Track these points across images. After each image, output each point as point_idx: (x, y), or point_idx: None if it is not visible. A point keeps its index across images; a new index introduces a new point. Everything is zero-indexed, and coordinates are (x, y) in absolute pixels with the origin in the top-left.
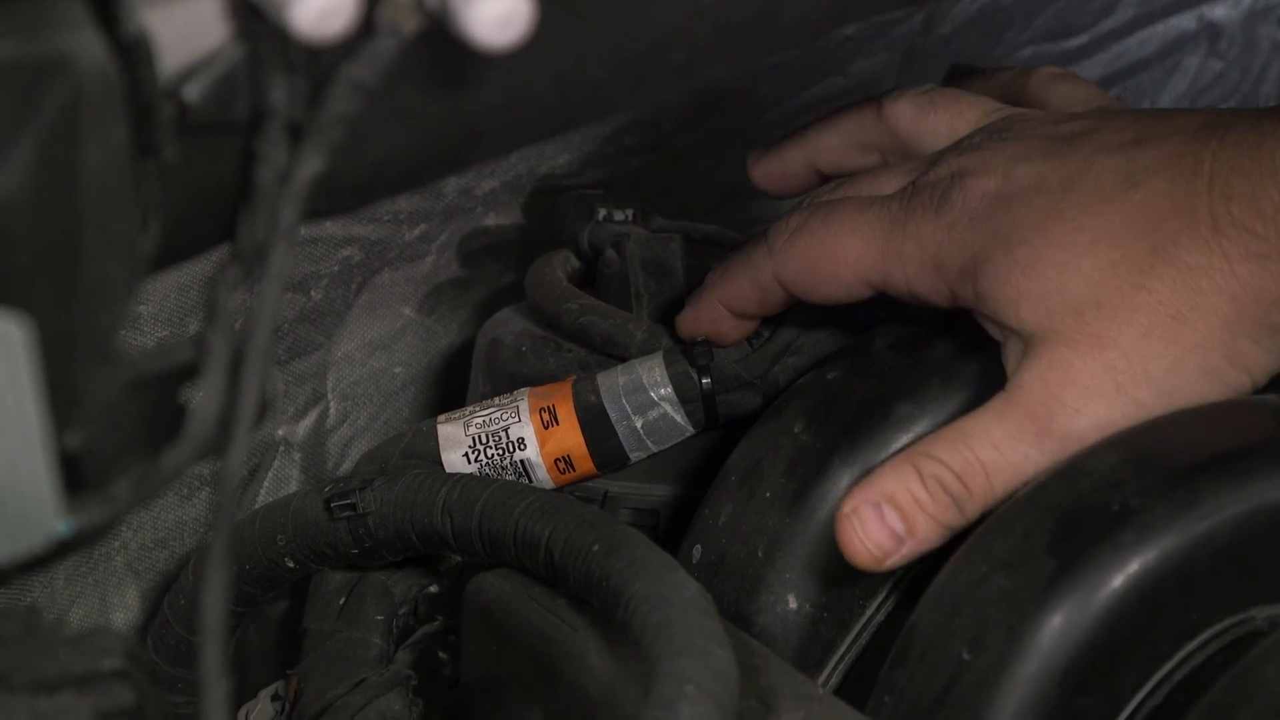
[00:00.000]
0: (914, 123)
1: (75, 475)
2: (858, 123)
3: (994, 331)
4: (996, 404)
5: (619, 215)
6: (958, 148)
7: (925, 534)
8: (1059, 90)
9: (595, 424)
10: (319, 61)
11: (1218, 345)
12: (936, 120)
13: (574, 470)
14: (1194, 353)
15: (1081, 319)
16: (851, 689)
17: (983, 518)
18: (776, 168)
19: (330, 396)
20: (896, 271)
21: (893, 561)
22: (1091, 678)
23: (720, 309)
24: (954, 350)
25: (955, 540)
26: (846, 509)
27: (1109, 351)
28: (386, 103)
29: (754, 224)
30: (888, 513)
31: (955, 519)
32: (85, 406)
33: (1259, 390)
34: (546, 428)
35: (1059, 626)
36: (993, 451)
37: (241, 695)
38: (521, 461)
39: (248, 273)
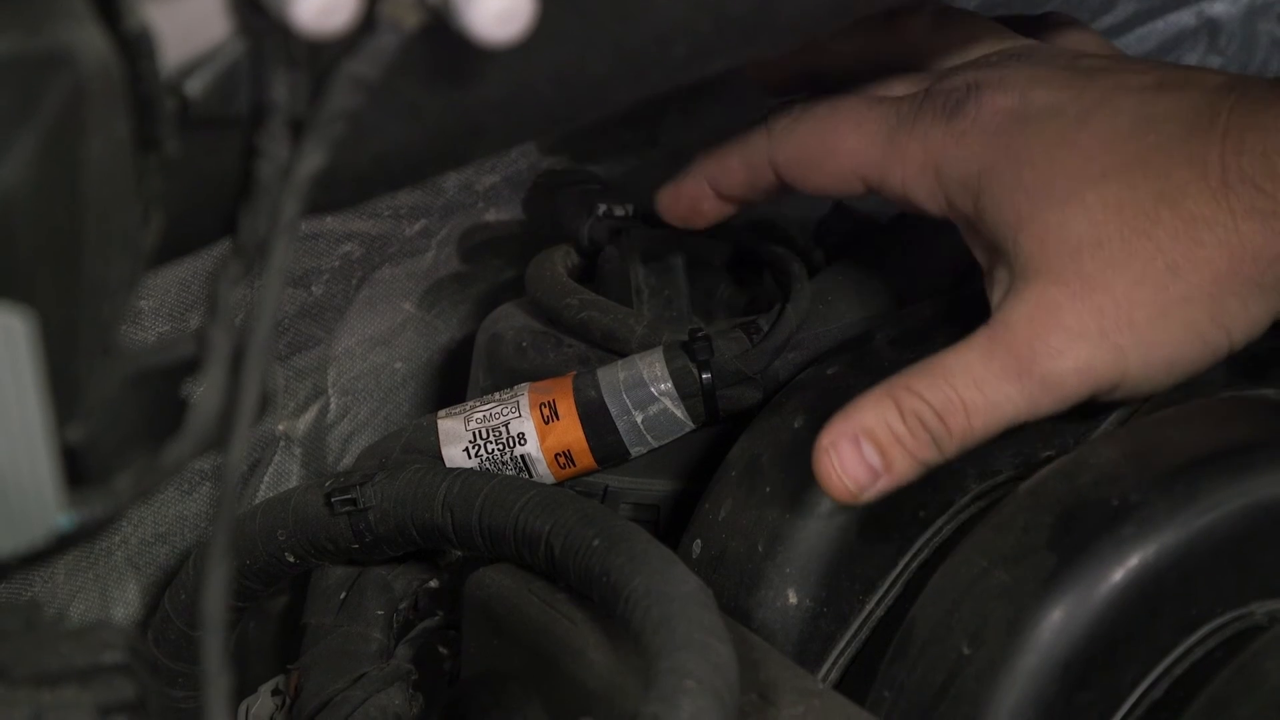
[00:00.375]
0: (928, 35)
1: (77, 469)
2: (869, 30)
3: (981, 255)
4: (980, 340)
5: (619, 210)
6: (976, 63)
7: (901, 469)
8: (1072, 36)
9: (595, 419)
10: (320, 57)
11: (1205, 300)
12: (950, 37)
13: (574, 465)
14: (1180, 305)
15: (1078, 259)
16: (851, 684)
17: (960, 459)
18: (775, 63)
19: (331, 392)
20: (895, 171)
21: (868, 495)
22: (1091, 672)
23: (704, 186)
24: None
25: (957, 538)
26: (825, 442)
27: (1098, 294)
28: (387, 98)
29: (753, 217)
30: (865, 447)
31: (933, 455)
32: (87, 400)
33: (1234, 352)
34: (547, 423)
35: (1059, 621)
36: (974, 390)
37: (242, 690)
38: (522, 456)
39: (249, 268)
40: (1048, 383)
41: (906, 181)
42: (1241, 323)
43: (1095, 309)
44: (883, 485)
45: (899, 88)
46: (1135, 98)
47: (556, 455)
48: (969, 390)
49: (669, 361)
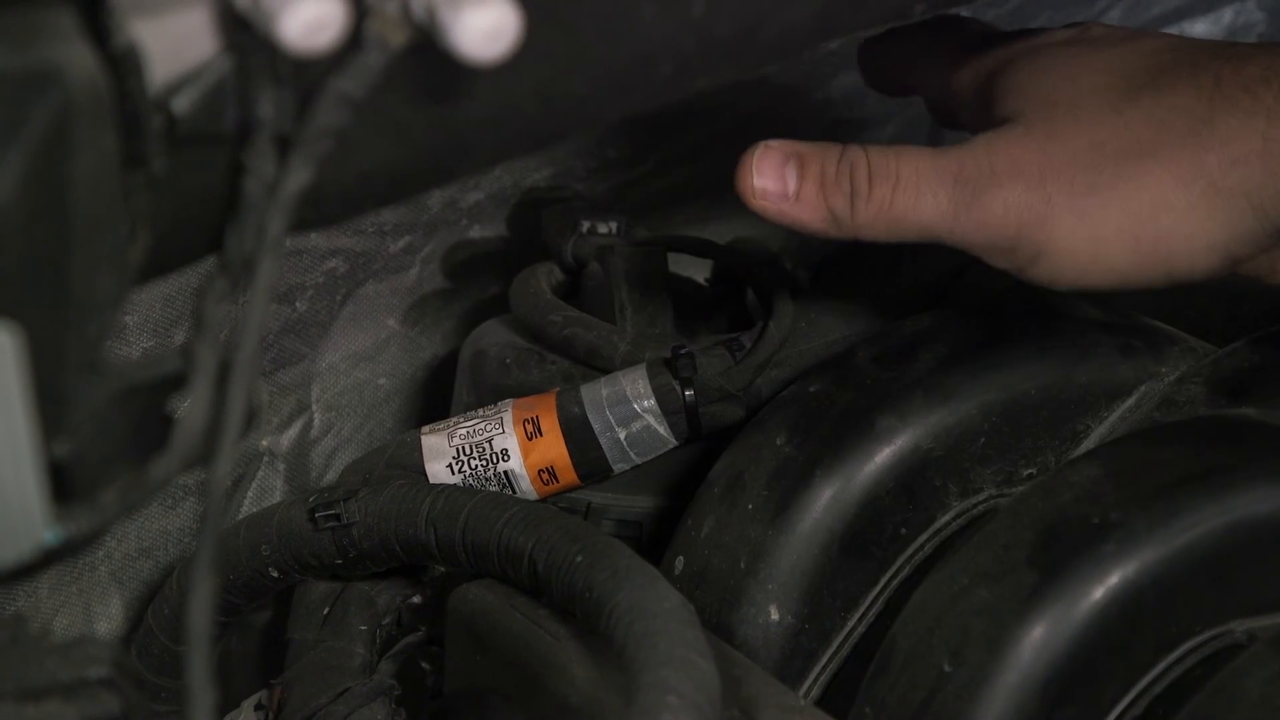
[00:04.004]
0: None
1: (63, 484)
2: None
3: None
4: (941, 147)
5: (603, 228)
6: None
7: (808, 204)
8: None
9: (579, 435)
10: (307, 74)
11: (1153, 187)
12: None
13: (557, 481)
14: (1127, 184)
15: (1051, 110)
16: (833, 700)
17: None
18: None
19: (315, 407)
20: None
21: (765, 207)
22: (1071, 689)
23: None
24: (936, 363)
25: (938, 555)
26: (761, 143)
27: (1053, 142)
28: (374, 115)
29: (737, 236)
30: (790, 166)
31: (841, 208)
32: (73, 416)
33: (1172, 279)
34: (530, 439)
35: (1039, 638)
36: (911, 173)
37: (225, 704)
38: (505, 472)
39: (235, 284)
40: (974, 206)
41: (958, 96)
42: (1181, 233)
43: (1044, 152)
44: (786, 209)
45: None
46: (1158, 39)
47: (540, 471)
48: (907, 169)
49: (652, 378)
